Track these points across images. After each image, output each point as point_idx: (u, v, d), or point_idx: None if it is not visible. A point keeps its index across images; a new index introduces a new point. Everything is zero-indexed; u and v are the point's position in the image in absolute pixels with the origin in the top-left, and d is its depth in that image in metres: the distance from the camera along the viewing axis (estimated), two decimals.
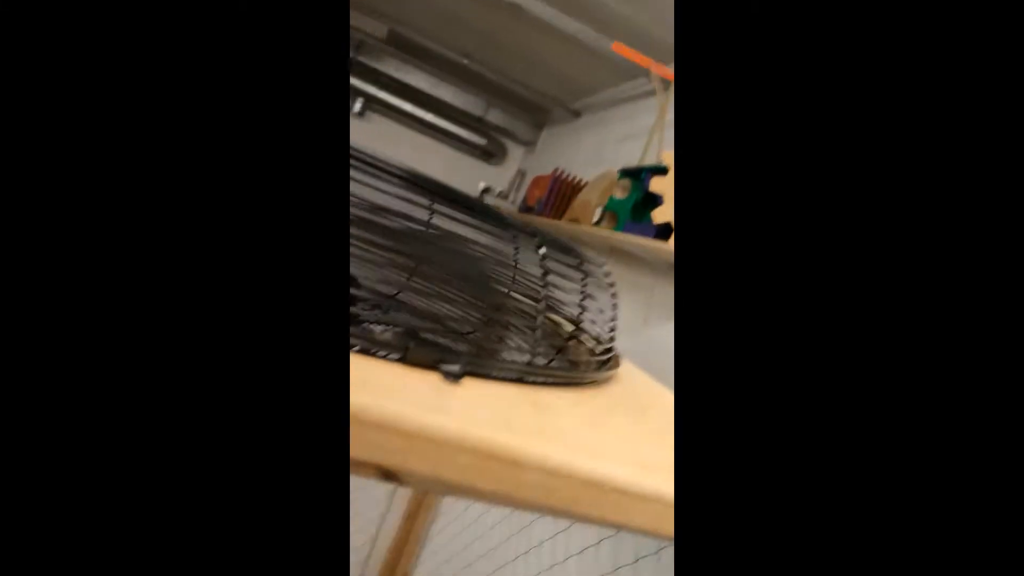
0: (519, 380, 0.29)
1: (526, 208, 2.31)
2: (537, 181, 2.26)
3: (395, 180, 0.27)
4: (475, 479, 0.20)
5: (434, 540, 1.08)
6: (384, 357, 0.25)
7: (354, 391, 0.20)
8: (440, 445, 0.20)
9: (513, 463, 0.21)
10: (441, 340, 0.27)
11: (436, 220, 0.29)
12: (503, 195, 3.12)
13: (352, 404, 0.20)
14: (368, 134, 3.09)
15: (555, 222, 1.97)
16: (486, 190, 3.15)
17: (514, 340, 0.30)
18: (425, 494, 0.95)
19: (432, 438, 0.20)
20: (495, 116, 3.11)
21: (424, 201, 0.28)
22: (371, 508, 1.09)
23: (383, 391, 0.22)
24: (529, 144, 3.23)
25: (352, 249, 0.25)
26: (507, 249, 0.30)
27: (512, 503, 0.22)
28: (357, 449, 0.20)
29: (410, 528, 0.94)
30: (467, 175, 3.23)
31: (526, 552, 0.92)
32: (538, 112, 3.04)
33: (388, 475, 0.21)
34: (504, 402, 0.26)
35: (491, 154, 3.24)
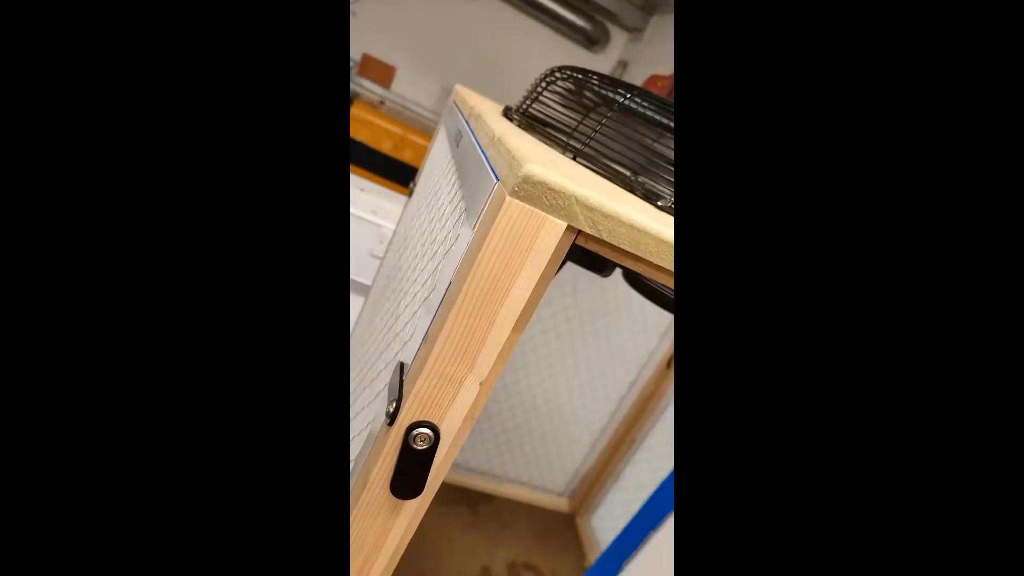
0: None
1: None
2: (653, 81, 2.12)
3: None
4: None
5: None
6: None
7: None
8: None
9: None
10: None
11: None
12: None
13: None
14: (468, 16, 2.91)
15: None
16: None
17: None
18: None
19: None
20: None
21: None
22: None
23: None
24: (635, 31, 2.99)
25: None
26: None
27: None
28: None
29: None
30: (565, 62, 3.05)
31: None
32: None
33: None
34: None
35: (593, 40, 3.02)
